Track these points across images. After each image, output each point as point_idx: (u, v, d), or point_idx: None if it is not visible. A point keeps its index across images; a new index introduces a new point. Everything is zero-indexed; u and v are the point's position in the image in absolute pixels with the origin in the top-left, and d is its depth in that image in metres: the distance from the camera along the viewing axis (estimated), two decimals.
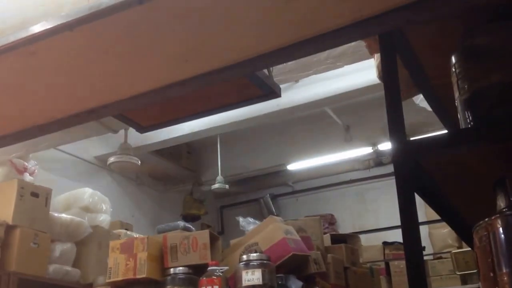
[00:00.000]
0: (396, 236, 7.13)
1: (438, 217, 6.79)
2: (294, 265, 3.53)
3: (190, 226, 4.39)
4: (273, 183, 8.08)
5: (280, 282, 3.36)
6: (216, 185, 6.33)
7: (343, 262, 4.29)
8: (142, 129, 2.50)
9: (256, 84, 2.06)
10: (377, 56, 1.99)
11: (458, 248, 6.89)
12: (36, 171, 4.26)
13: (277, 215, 7.82)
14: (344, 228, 7.50)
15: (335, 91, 5.69)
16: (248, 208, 7.86)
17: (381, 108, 6.52)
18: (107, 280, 3.47)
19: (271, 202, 7.92)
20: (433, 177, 1.54)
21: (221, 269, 3.35)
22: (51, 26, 1.46)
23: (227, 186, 6.40)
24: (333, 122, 6.99)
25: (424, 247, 7.20)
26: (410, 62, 1.80)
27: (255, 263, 3.25)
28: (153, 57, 1.62)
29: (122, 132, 5.50)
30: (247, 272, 3.23)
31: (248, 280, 3.21)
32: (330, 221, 7.59)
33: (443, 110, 2.01)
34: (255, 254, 3.32)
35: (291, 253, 3.37)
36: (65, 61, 1.64)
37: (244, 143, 7.42)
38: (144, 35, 1.53)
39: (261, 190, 8.08)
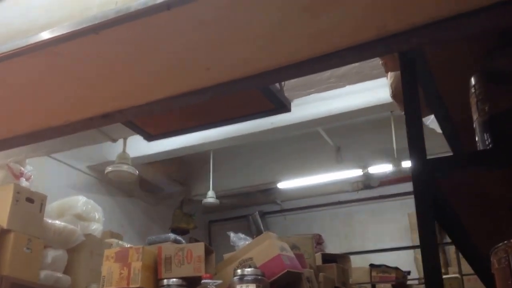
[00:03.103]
0: (382, 259, 7.10)
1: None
2: (287, 282, 3.47)
3: (180, 238, 4.32)
4: (262, 201, 8.03)
5: None
6: (208, 200, 6.26)
7: (334, 282, 4.24)
8: (150, 137, 2.46)
9: (268, 97, 2.04)
10: (390, 74, 1.99)
11: (444, 274, 6.88)
12: (32, 176, 4.18)
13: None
14: (331, 248, 7.44)
15: (329, 112, 5.69)
16: (237, 224, 7.78)
17: (372, 131, 6.60)
18: None
19: (259, 220, 7.86)
20: (447, 196, 1.52)
21: (214, 282, 3.29)
22: (77, 28, 1.42)
23: (218, 201, 6.34)
24: (325, 143, 6.98)
25: (410, 271, 7.19)
26: (426, 81, 1.79)
27: (249, 278, 3.20)
28: (175, 63, 1.59)
29: (110, 144, 5.43)
30: (241, 286, 3.18)
31: None
32: (318, 241, 7.54)
33: (454, 132, 2.00)
34: (250, 269, 3.27)
35: (286, 270, 3.32)
36: (87, 64, 1.60)
37: (235, 160, 7.37)
38: (168, 41, 1.50)
39: (250, 207, 8.02)
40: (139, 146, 5.81)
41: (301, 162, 7.22)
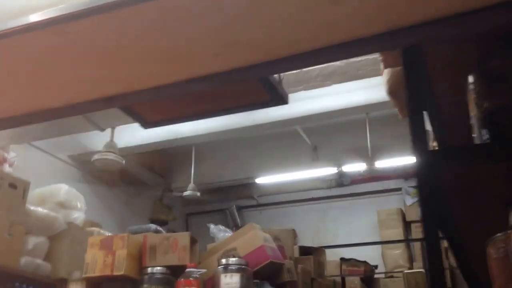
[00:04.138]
0: (353, 253, 7.16)
1: (392, 238, 6.85)
2: (269, 272, 3.46)
3: (161, 229, 4.26)
4: (240, 195, 8.00)
5: None
6: (188, 192, 6.19)
7: (311, 274, 4.25)
8: (147, 124, 2.39)
9: (267, 88, 2.00)
10: (387, 71, 1.98)
11: (409, 268, 6.99)
12: (15, 162, 4.04)
13: (240, 226, 7.76)
14: (304, 242, 7.45)
15: (309, 112, 5.70)
16: (214, 217, 7.73)
17: (348, 132, 6.64)
18: (84, 275, 3.30)
19: (236, 213, 7.83)
20: (445, 187, 1.51)
21: (199, 271, 3.24)
22: (89, 6, 1.35)
23: (198, 194, 6.28)
24: (302, 141, 6.99)
25: (377, 265, 7.27)
26: (422, 78, 1.79)
27: (233, 268, 3.17)
28: (185, 48, 1.53)
29: (92, 133, 5.31)
30: (225, 276, 3.14)
31: (227, 284, 3.11)
32: (293, 235, 7.54)
33: (445, 129, 2.00)
34: (234, 259, 3.23)
35: (269, 261, 3.30)
36: (96, 45, 1.53)
37: (215, 154, 7.32)
38: (179, 24, 1.44)
39: (228, 201, 7.99)
40: (123, 137, 5.71)
41: (279, 159, 7.22)
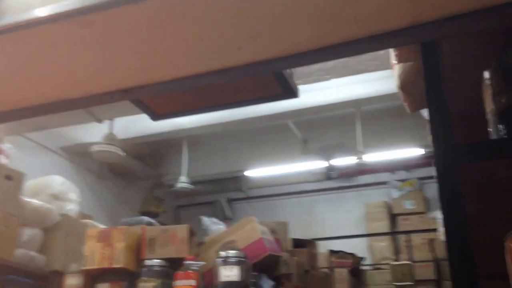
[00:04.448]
0: (340, 246, 7.20)
1: (378, 231, 6.88)
2: (267, 265, 3.45)
3: (154, 221, 4.22)
4: (229, 188, 7.98)
5: (253, 281, 3.27)
6: (181, 185, 6.14)
7: (304, 266, 4.26)
8: (156, 116, 2.34)
9: (279, 82, 1.98)
10: (399, 66, 1.97)
11: (395, 260, 7.06)
12: (11, 154, 3.95)
13: (231, 219, 7.75)
14: (292, 235, 7.48)
15: (300, 106, 5.70)
16: (204, 209, 7.69)
17: (337, 126, 6.66)
18: (82, 268, 3.25)
19: (226, 206, 7.81)
20: (462, 181, 1.51)
21: (197, 263, 3.22)
22: None
23: (191, 186, 6.23)
24: (293, 135, 6.99)
25: (364, 257, 7.33)
26: (432, 73, 1.78)
27: (233, 260, 3.14)
28: (206, 40, 1.49)
29: (84, 126, 5.23)
30: (225, 268, 3.12)
31: (226, 276, 3.09)
32: None
33: (450, 125, 2.00)
34: (233, 251, 3.21)
35: (268, 253, 3.29)
36: (119, 36, 1.48)
37: (205, 147, 7.28)
38: (204, 17, 1.40)
39: (217, 193, 7.96)
40: (114, 129, 5.64)
41: (269, 152, 7.21)
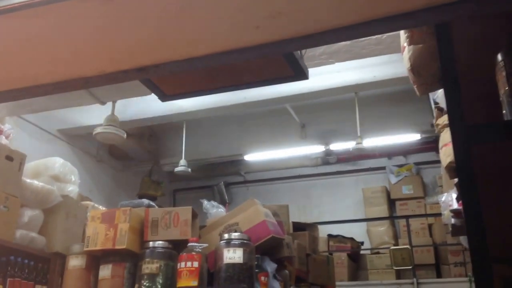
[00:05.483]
0: (338, 230, 7.26)
1: (376, 216, 6.96)
2: (269, 247, 3.47)
3: (154, 204, 4.23)
4: (227, 172, 7.99)
5: (256, 263, 3.29)
6: (180, 168, 6.15)
7: (306, 249, 4.29)
8: (165, 97, 2.32)
9: (290, 63, 1.97)
10: (409, 48, 1.97)
11: (394, 245, 7.13)
12: (11, 135, 3.93)
13: (228, 203, 7.77)
14: (291, 219, 7.54)
15: (299, 90, 5.69)
16: (201, 193, 7.71)
17: (335, 111, 6.68)
18: (85, 249, 3.26)
19: (224, 190, 7.83)
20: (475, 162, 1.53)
21: (200, 245, 3.23)
22: None
23: (190, 170, 6.24)
24: (291, 119, 7.00)
25: (363, 242, 7.39)
26: (447, 55, 1.78)
27: (236, 242, 3.16)
28: (224, 19, 1.48)
29: (82, 108, 5.19)
30: (228, 250, 3.14)
31: (230, 258, 3.11)
32: None
33: (460, 107, 2.01)
34: (236, 234, 3.23)
35: (271, 235, 3.30)
36: (137, 13, 1.46)
37: (204, 131, 7.28)
38: None
39: (215, 177, 7.97)
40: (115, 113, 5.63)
41: (268, 136, 7.22)
